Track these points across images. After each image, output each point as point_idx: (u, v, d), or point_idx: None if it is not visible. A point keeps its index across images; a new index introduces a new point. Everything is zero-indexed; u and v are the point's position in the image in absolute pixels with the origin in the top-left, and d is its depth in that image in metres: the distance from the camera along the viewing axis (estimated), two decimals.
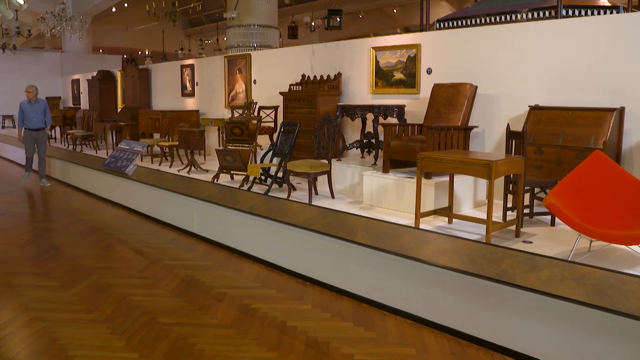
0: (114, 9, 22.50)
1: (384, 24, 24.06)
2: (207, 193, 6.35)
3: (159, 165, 8.82)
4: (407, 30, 23.81)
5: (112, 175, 8.66)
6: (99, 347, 3.71)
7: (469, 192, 5.62)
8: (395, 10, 22.44)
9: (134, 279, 5.12)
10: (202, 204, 6.40)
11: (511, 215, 4.94)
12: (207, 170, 8.10)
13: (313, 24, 18.10)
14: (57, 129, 14.90)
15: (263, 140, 8.82)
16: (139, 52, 27.60)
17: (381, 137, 6.81)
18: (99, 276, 5.16)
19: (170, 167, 8.57)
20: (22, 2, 8.15)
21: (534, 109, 5.58)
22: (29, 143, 10.20)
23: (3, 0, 8.60)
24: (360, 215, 4.82)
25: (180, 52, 19.23)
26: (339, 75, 7.84)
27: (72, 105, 18.05)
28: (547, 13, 6.95)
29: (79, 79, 17.76)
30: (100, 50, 26.26)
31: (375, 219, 4.66)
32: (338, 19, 14.50)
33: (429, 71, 6.84)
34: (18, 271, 5.35)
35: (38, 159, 10.29)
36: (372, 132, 6.93)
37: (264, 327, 4.01)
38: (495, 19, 7.50)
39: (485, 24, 7.53)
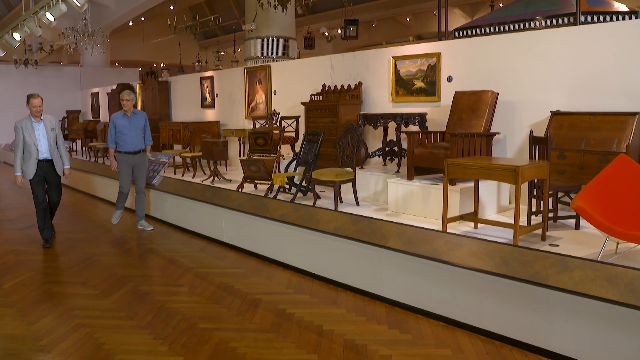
0: (130, 23, 22.90)
1: (397, 33, 24.22)
2: (237, 202, 6.51)
3: (182, 175, 9.01)
4: (420, 38, 23.96)
5: None
6: (144, 352, 3.86)
7: (492, 197, 5.73)
8: (408, 19, 22.60)
9: (170, 286, 5.28)
10: (231, 213, 6.55)
11: (535, 219, 5.05)
12: (230, 180, 8.27)
13: (327, 33, 18.29)
14: (79, 141, 15.22)
15: (285, 150, 8.98)
16: (155, 65, 27.97)
17: (403, 145, 6.94)
18: (135, 284, 5.33)
19: (193, 177, 8.75)
20: (52, 20, 8.40)
21: (555, 114, 5.68)
22: (125, 172, 7.54)
23: (32, 18, 8.90)
24: (392, 221, 4.95)
25: (197, 64, 19.52)
26: (359, 84, 7.99)
27: (91, 118, 18.38)
28: (565, 20, 7.07)
29: (98, 92, 18.09)
30: (117, 64, 26.67)
31: (407, 225, 4.78)
32: (351, 29, 14.67)
33: (450, 79, 6.96)
34: (57, 280, 5.53)
35: (136, 192, 7.81)
36: (394, 140, 7.06)
37: (302, 331, 4.14)
38: (513, 26, 7.63)
39: (504, 32, 7.66)
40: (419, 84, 7.31)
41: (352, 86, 8.08)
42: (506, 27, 7.70)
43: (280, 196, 6.68)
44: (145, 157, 7.65)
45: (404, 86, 7.51)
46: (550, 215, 5.09)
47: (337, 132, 7.46)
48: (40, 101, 6.62)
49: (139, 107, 15.06)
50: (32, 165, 6.61)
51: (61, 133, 6.95)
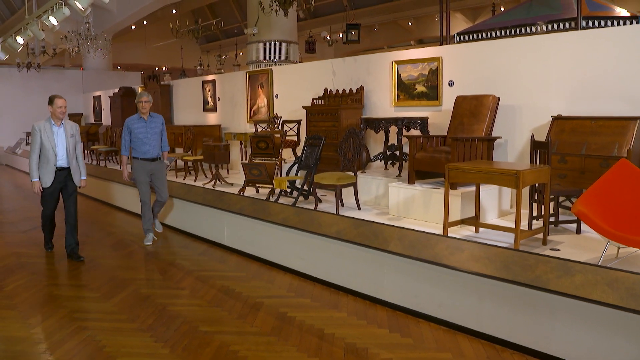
0: (133, 27, 22.98)
1: (399, 37, 24.26)
2: (238, 206, 6.52)
3: (184, 179, 9.02)
4: (421, 42, 24.00)
5: None
6: (145, 355, 3.86)
7: (493, 201, 5.74)
8: (410, 23, 22.64)
9: (171, 289, 5.29)
10: (233, 217, 6.56)
11: (536, 224, 5.05)
12: (232, 184, 8.29)
13: (328, 37, 18.34)
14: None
15: (286, 154, 9.00)
16: (157, 68, 28.05)
17: (405, 149, 6.96)
18: (136, 287, 5.33)
19: (195, 181, 8.77)
20: (55, 24, 8.42)
21: (556, 119, 5.70)
22: (143, 179, 6.80)
23: (35, 22, 8.92)
24: (393, 225, 4.96)
25: (199, 67, 19.58)
26: (361, 88, 8.00)
27: (93, 122, 18.42)
28: (566, 25, 7.09)
29: (100, 96, 18.14)
30: (119, 67, 26.75)
31: (408, 229, 4.79)
32: (353, 33, 14.71)
33: (451, 83, 6.98)
34: (58, 283, 5.55)
35: (157, 201, 7.12)
36: (395, 144, 7.07)
37: (303, 334, 4.15)
38: (514, 31, 7.66)
39: (505, 36, 7.69)
40: (420, 88, 7.33)
41: (354, 90, 8.11)
42: (507, 32, 7.73)
43: (282, 200, 6.69)
44: (163, 164, 7.00)
45: (405, 90, 7.52)
46: (552, 219, 5.09)
47: (338, 136, 7.47)
48: (65, 102, 6.09)
49: None
50: (49, 173, 6.06)
51: (81, 141, 6.39)
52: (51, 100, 6.04)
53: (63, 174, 6.17)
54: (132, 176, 6.95)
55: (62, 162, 6.12)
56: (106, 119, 17.25)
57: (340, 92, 8.26)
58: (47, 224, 6.60)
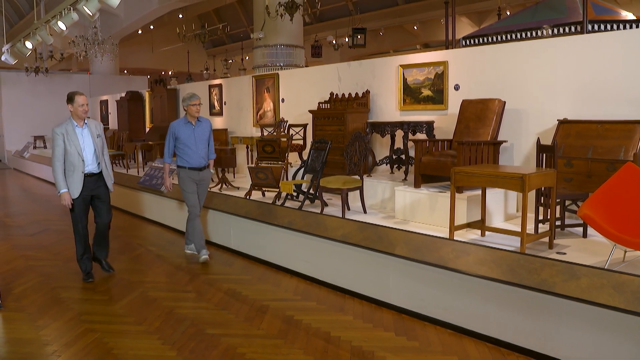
0: (139, 31, 23.12)
1: (404, 41, 24.30)
2: (245, 209, 6.55)
3: None
4: (427, 46, 24.02)
5: (147, 193, 8.92)
6: (153, 357, 3.89)
7: (499, 205, 5.74)
8: (415, 27, 22.68)
9: (178, 292, 5.32)
10: (239, 220, 6.59)
11: (542, 227, 5.05)
12: (238, 188, 8.31)
13: (334, 42, 18.40)
14: None
15: (292, 158, 9.01)
16: (163, 73, 28.18)
17: (411, 153, 6.97)
18: (143, 290, 5.37)
19: None
20: (64, 29, 8.50)
21: (562, 122, 5.70)
22: (191, 189, 6.16)
23: (44, 27, 9.00)
24: (399, 229, 4.97)
25: (205, 72, 19.68)
26: (367, 92, 8.03)
27: None
28: (572, 28, 7.09)
29: (107, 100, 18.25)
30: (125, 72, 26.89)
31: (414, 232, 4.80)
32: (359, 37, 14.75)
33: (457, 87, 6.99)
34: (65, 285, 5.57)
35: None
36: (401, 148, 7.09)
37: (309, 337, 4.16)
38: (520, 35, 7.66)
39: (511, 40, 7.69)
40: (426, 92, 7.34)
41: (360, 94, 8.13)
42: (513, 36, 7.73)
43: (288, 203, 6.72)
44: (209, 173, 6.37)
45: (411, 94, 7.54)
46: (558, 223, 5.09)
47: (344, 140, 7.49)
48: (87, 98, 5.40)
49: (147, 114, 15.17)
50: (77, 181, 5.31)
51: (106, 142, 5.74)
52: (71, 98, 5.34)
53: (93, 180, 5.46)
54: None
55: (91, 167, 5.42)
56: (113, 123, 17.34)
57: (346, 96, 8.28)
58: (85, 250, 5.65)
